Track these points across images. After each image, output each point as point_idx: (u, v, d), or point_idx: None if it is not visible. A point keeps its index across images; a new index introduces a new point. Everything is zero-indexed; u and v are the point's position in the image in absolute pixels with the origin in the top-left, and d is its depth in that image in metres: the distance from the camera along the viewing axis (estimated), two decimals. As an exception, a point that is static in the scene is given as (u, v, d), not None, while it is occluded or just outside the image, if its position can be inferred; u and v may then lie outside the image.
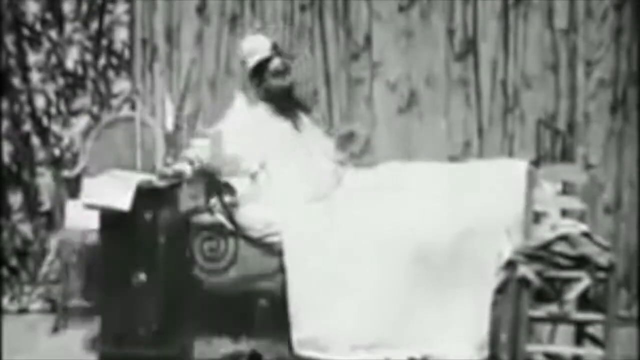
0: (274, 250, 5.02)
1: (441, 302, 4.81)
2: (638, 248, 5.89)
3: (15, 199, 6.10)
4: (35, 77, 6.06)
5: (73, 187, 5.72)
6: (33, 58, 6.06)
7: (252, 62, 5.28)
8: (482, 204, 4.89)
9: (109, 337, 4.66)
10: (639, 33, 5.87)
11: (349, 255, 4.90)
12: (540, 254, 4.53)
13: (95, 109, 6.05)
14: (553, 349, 4.81)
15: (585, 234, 4.58)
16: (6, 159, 6.07)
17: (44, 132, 6.07)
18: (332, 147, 5.37)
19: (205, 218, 5.07)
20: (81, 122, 6.05)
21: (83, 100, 6.05)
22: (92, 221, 4.76)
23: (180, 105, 5.54)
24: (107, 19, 6.04)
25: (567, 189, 5.11)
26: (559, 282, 4.61)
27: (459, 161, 5.76)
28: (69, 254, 5.64)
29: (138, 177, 4.75)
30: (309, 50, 5.96)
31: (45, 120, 6.07)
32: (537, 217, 4.78)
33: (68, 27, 6.05)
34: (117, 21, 6.05)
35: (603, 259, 4.49)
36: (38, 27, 6.05)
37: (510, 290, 4.59)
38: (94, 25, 6.05)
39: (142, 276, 4.64)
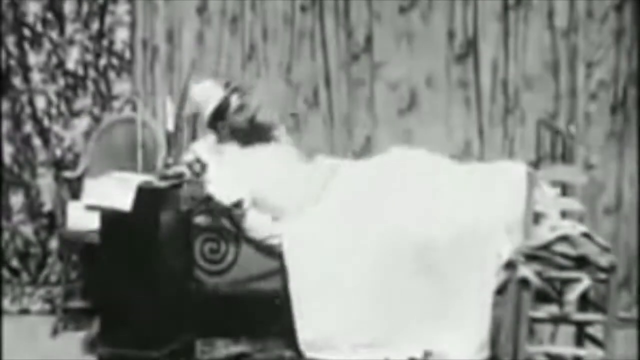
0: (274, 251, 5.03)
1: (441, 302, 4.82)
2: (638, 249, 5.89)
3: (17, 200, 6.10)
4: (36, 77, 6.06)
5: (74, 188, 5.72)
6: (34, 58, 6.06)
7: (210, 109, 5.31)
8: (482, 205, 4.90)
9: (109, 338, 4.66)
10: (639, 34, 5.87)
11: (348, 255, 4.91)
12: (540, 254, 4.53)
13: (96, 110, 6.05)
14: (553, 349, 4.81)
15: (586, 235, 4.59)
16: (7, 159, 6.07)
17: (45, 133, 6.07)
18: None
19: (206, 219, 5.08)
20: (82, 123, 6.05)
21: (84, 101, 6.05)
22: (94, 222, 4.76)
23: (180, 106, 5.54)
24: (108, 19, 6.04)
25: (567, 191, 5.12)
26: (559, 282, 4.61)
27: (460, 162, 5.75)
28: (69, 255, 5.65)
29: (139, 178, 4.75)
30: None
31: (46, 121, 6.07)
32: (537, 218, 4.79)
33: (69, 28, 6.05)
34: (118, 22, 6.04)
35: (603, 260, 4.49)
36: (39, 27, 6.04)
37: (511, 291, 4.60)
38: (95, 25, 6.04)
39: (143, 276, 4.64)
